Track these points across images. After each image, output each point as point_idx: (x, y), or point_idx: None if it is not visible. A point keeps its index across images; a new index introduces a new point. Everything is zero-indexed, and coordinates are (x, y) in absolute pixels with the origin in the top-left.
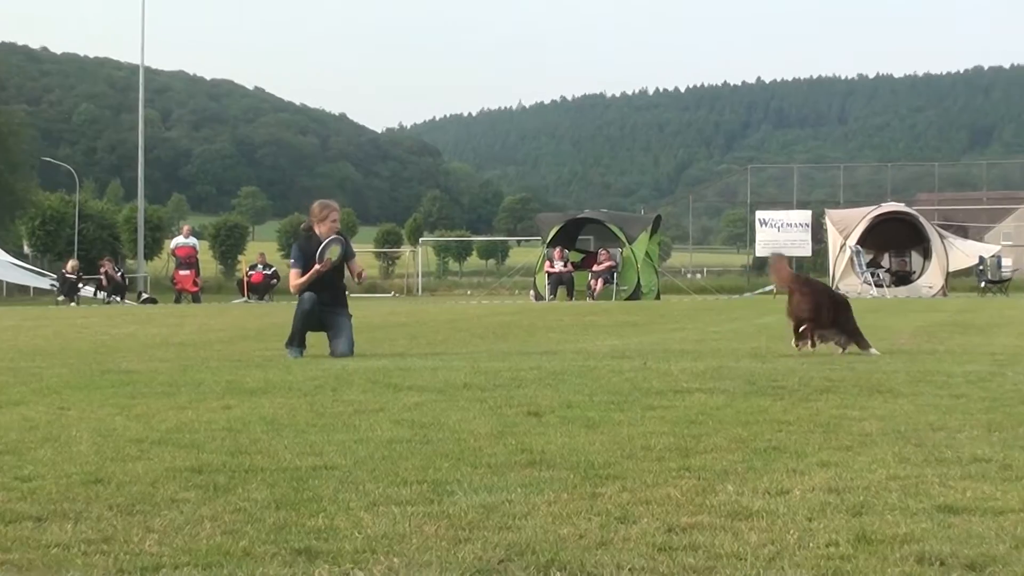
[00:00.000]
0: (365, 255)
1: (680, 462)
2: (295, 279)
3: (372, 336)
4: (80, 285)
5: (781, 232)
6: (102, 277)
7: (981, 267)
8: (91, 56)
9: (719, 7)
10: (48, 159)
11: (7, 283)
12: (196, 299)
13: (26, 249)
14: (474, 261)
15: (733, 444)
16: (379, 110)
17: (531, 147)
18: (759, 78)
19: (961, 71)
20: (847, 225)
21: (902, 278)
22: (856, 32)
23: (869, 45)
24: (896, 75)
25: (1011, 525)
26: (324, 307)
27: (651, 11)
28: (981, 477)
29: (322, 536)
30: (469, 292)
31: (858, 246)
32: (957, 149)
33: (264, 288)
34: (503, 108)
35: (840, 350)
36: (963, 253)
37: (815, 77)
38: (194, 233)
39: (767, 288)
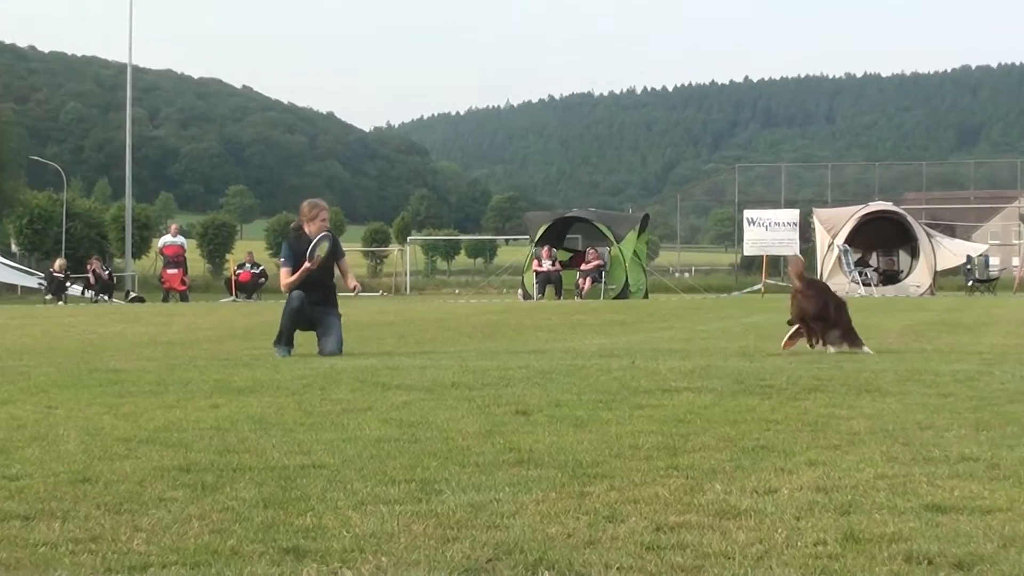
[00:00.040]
0: (353, 254)
1: (668, 461)
2: (285, 278)
3: (360, 335)
4: (68, 284)
5: (769, 231)
6: (90, 276)
7: (969, 266)
8: (79, 55)
9: (707, 6)
10: (36, 158)
11: None
12: (184, 298)
13: (14, 248)
14: (462, 260)
15: (721, 443)
16: (367, 109)
17: (519, 146)
18: (747, 77)
19: (949, 70)
20: (835, 224)
21: (890, 277)
22: (844, 31)
23: (857, 44)
24: (884, 74)
25: (999, 524)
26: (314, 306)
27: (639, 10)
28: (969, 476)
29: (310, 535)
30: (457, 291)
31: (846, 245)
32: (945, 148)
33: (252, 287)
34: (491, 107)
35: (831, 349)
36: (951, 252)
37: (803, 76)
38: (182, 232)
39: (755, 287)
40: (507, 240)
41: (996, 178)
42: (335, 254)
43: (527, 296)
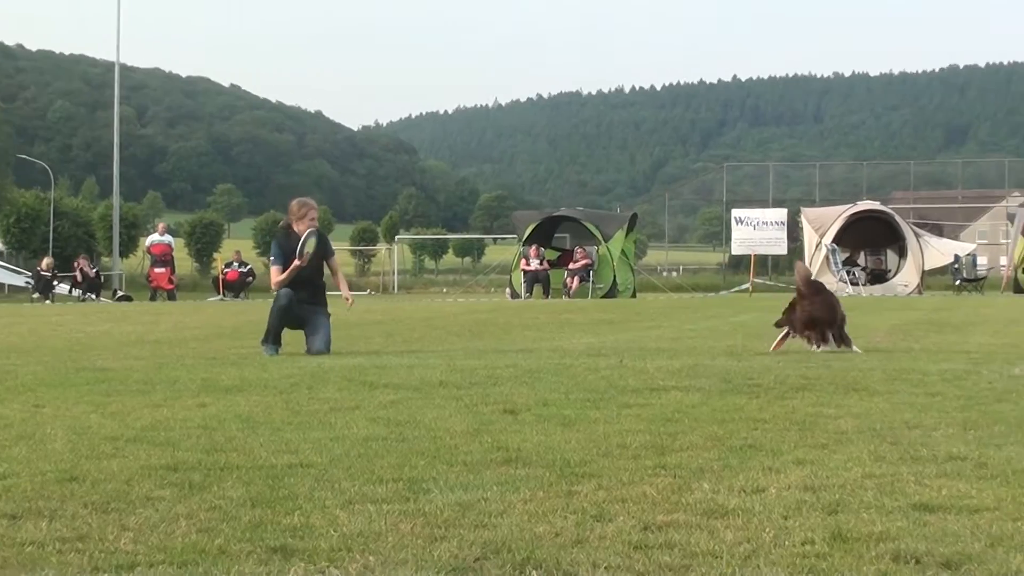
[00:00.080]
0: (341, 253)
1: (656, 460)
2: (276, 276)
3: (348, 334)
4: (55, 283)
5: (757, 230)
6: (77, 274)
7: (956, 265)
8: (66, 53)
9: (696, 5)
10: (23, 156)
11: None
12: (171, 297)
13: (1, 246)
14: (450, 259)
15: (709, 442)
16: (355, 108)
17: (507, 145)
18: (735, 76)
19: (936, 70)
20: (823, 223)
21: (878, 276)
22: (832, 31)
23: (845, 44)
24: (872, 73)
25: (986, 523)
26: (303, 304)
27: (627, 9)
28: (956, 475)
29: (298, 534)
30: (445, 290)
31: (834, 244)
32: (932, 147)
33: (240, 286)
34: (479, 106)
35: (815, 347)
36: (938, 251)
37: (791, 75)
38: (169, 231)
39: (743, 286)
40: (495, 239)
41: (984, 177)
42: (324, 252)
43: (515, 295)
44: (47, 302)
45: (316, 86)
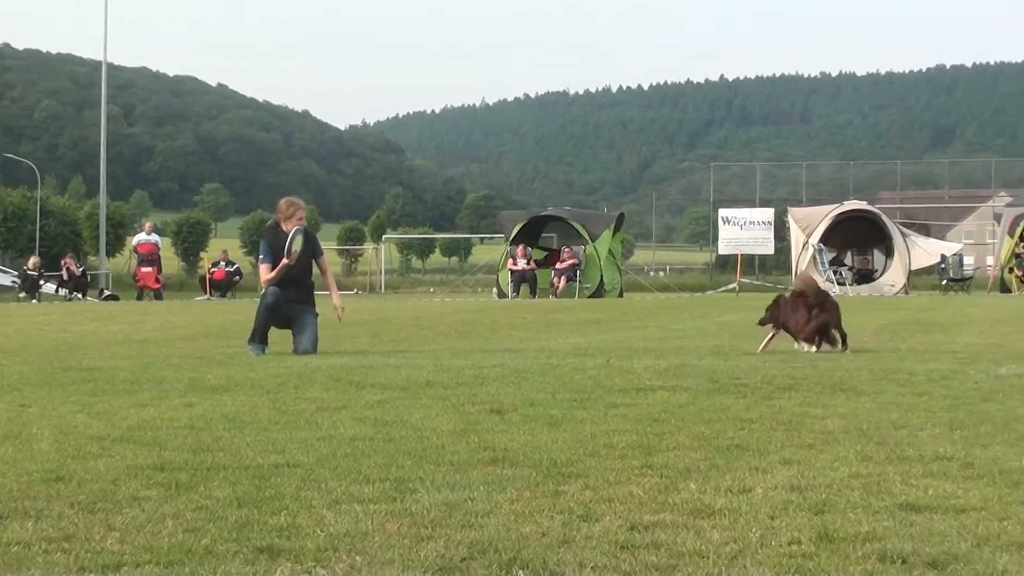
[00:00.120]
0: (328, 252)
1: (643, 460)
2: (265, 274)
3: (335, 333)
4: (42, 282)
5: (744, 230)
6: (63, 273)
7: (943, 265)
8: (53, 52)
9: (683, 5)
10: (10, 155)
11: None
12: (158, 296)
13: None
14: (437, 259)
15: (696, 442)
16: (342, 107)
17: (494, 144)
18: (722, 76)
19: (923, 70)
20: (810, 223)
21: (864, 276)
22: (819, 31)
23: (832, 44)
24: (859, 73)
25: (972, 523)
26: (290, 303)
27: (614, 9)
28: (943, 475)
29: (284, 534)
30: (432, 290)
31: (820, 244)
32: (919, 147)
33: (226, 285)
34: (466, 105)
35: (806, 348)
36: (925, 251)
37: (778, 75)
38: (156, 230)
39: (730, 286)
40: (482, 239)
41: (970, 177)
42: (313, 251)
43: (502, 295)
44: (34, 301)
45: (303, 85)
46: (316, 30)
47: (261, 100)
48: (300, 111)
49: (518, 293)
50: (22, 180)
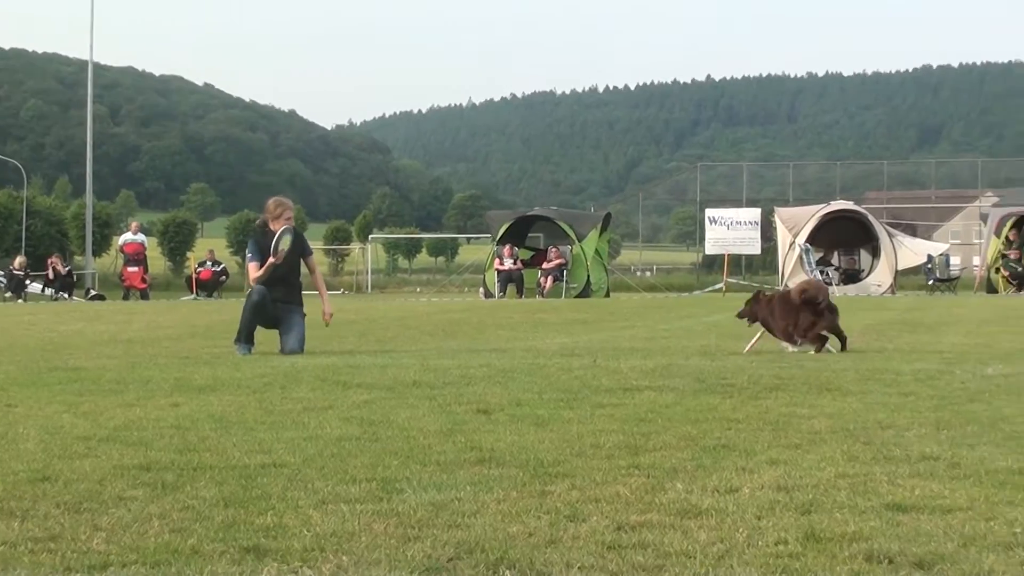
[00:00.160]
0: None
1: (629, 460)
2: (254, 272)
3: (322, 333)
4: (28, 282)
5: (731, 230)
6: (49, 273)
7: (929, 265)
8: (39, 51)
9: (669, 5)
10: None
11: None
12: (144, 296)
13: None
14: (424, 258)
15: (682, 442)
16: (329, 107)
17: (481, 144)
18: (709, 76)
19: (910, 70)
20: (796, 223)
21: (851, 276)
22: (805, 31)
23: (818, 44)
24: (845, 73)
25: (959, 523)
26: (277, 303)
27: (603, 9)
28: (929, 475)
29: (271, 534)
30: (419, 289)
31: (807, 244)
32: (906, 147)
33: (213, 285)
34: (453, 105)
35: (790, 347)
36: (912, 251)
37: (764, 75)
38: (142, 230)
39: (717, 286)
40: (468, 239)
41: (957, 177)
42: (301, 250)
43: (489, 295)
44: (19, 301)
45: (290, 85)
46: (304, 30)
47: (247, 100)
48: (287, 111)
49: (505, 293)
50: (8, 180)
